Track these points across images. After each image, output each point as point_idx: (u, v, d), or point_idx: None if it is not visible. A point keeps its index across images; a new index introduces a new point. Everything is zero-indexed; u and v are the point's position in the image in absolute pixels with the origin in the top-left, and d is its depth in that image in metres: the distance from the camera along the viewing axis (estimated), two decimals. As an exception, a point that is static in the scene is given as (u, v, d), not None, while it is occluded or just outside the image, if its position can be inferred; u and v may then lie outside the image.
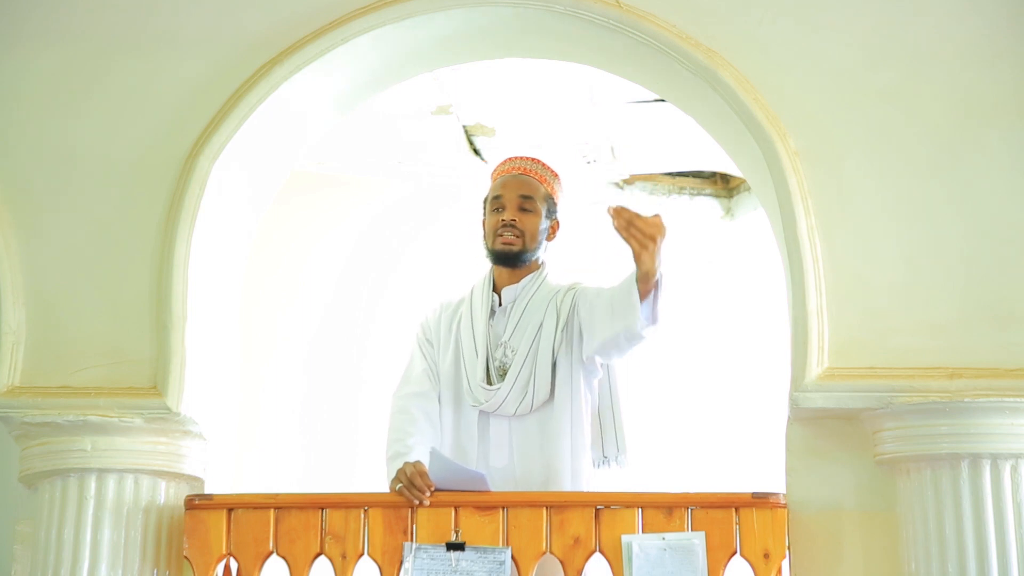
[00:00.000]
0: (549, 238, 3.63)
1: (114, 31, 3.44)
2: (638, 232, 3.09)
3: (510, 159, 3.68)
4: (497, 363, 3.50)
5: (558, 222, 3.65)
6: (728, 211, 6.20)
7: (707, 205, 6.19)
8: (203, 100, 3.39)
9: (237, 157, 3.41)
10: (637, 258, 3.12)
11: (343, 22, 3.38)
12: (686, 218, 6.16)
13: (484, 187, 3.75)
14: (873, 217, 3.17)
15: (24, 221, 3.37)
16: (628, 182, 6.12)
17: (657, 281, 3.19)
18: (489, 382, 3.48)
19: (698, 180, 6.18)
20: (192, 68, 3.41)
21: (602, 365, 3.55)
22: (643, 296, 3.20)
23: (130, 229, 3.34)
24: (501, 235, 3.54)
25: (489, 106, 5.21)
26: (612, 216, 3.09)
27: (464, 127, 5.41)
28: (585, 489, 3.46)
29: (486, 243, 3.61)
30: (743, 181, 5.89)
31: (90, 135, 3.40)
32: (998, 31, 3.22)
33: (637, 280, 3.19)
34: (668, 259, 3.19)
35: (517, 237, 3.54)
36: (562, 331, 3.50)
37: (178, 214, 3.31)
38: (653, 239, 3.09)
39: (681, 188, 6.18)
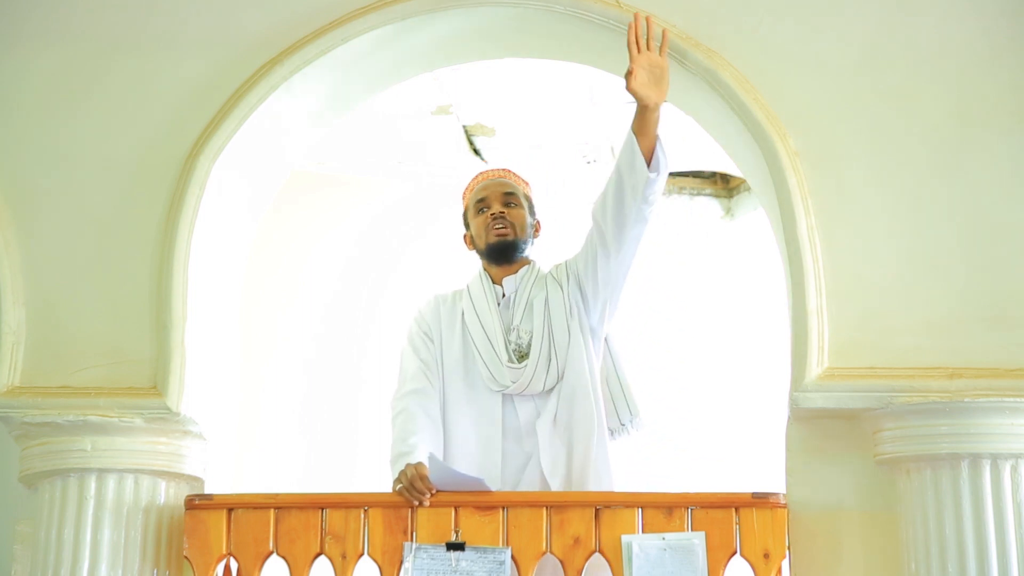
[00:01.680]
0: (535, 235, 3.70)
1: (114, 31, 3.44)
2: (648, 62, 3.18)
3: (481, 172, 3.77)
4: (513, 346, 3.53)
5: (539, 222, 3.72)
6: (728, 211, 6.20)
7: (707, 205, 6.20)
8: (203, 100, 3.39)
9: (237, 157, 3.41)
10: (643, 88, 3.18)
11: (343, 22, 3.38)
12: (686, 218, 6.16)
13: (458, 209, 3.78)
14: (873, 217, 3.17)
15: (24, 221, 3.37)
16: (628, 182, 6.11)
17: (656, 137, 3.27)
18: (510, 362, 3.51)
19: (698, 180, 6.19)
20: (192, 68, 3.41)
21: (605, 338, 3.60)
22: (648, 147, 3.26)
23: (130, 229, 3.34)
24: (493, 228, 3.59)
25: (489, 106, 5.21)
26: (634, 25, 3.18)
27: (464, 127, 5.41)
28: (610, 451, 3.48)
29: (478, 244, 3.65)
30: (743, 181, 5.89)
31: (90, 135, 3.40)
32: (998, 31, 3.22)
33: (639, 126, 3.26)
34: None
35: (509, 228, 3.59)
36: (568, 298, 3.54)
37: (178, 214, 3.31)
38: (664, 71, 3.18)
39: (681, 188, 6.18)
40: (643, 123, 3.25)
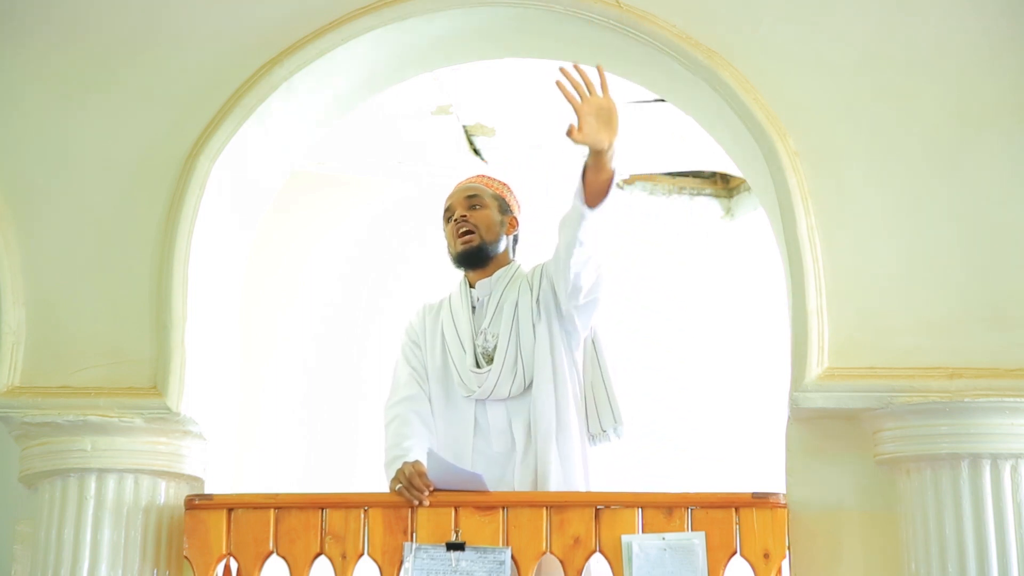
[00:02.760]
0: (507, 232, 3.68)
1: (116, 32, 3.44)
2: (595, 107, 3.10)
3: (458, 183, 3.78)
4: (480, 349, 3.53)
5: (515, 219, 3.70)
6: (728, 211, 6.20)
7: (707, 205, 6.19)
8: (203, 100, 3.39)
9: (237, 157, 3.41)
10: (593, 135, 3.09)
11: (343, 22, 3.38)
12: (686, 218, 6.16)
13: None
14: (873, 217, 3.17)
15: (24, 221, 3.37)
16: (628, 182, 6.12)
17: (611, 175, 3.20)
18: (478, 367, 3.51)
19: (698, 180, 6.18)
20: (192, 69, 3.41)
21: (585, 339, 3.56)
22: (604, 181, 3.18)
23: (130, 229, 3.34)
24: (458, 235, 3.62)
25: (489, 106, 5.21)
26: (565, 79, 3.08)
27: (464, 127, 5.41)
28: (585, 453, 3.47)
29: (450, 253, 3.68)
30: (743, 181, 5.89)
31: (90, 135, 3.40)
32: (998, 32, 3.22)
33: (593, 163, 3.17)
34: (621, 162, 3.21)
35: (473, 232, 3.60)
36: (536, 302, 3.53)
37: (178, 214, 3.31)
38: (612, 111, 3.10)
39: (681, 188, 6.18)
40: (597, 163, 3.18)
